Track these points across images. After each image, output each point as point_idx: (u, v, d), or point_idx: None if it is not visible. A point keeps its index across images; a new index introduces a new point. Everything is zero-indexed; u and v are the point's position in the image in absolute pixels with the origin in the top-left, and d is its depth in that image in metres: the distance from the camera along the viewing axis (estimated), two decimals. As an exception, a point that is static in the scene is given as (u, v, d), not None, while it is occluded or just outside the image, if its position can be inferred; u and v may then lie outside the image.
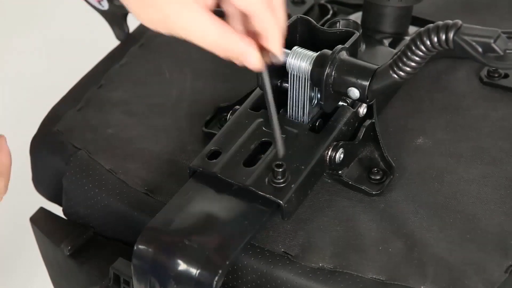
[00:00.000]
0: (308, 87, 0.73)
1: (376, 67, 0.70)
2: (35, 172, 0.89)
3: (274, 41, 0.64)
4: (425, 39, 0.63)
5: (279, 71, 0.75)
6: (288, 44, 0.74)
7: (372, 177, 0.75)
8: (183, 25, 0.61)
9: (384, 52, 0.85)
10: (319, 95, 0.74)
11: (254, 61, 0.64)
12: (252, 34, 0.65)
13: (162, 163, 0.79)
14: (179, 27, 0.61)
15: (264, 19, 0.63)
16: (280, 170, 0.68)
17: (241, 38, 0.63)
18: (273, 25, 0.64)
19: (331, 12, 0.96)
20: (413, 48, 0.64)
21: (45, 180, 0.88)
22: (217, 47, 0.62)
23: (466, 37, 0.61)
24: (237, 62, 0.64)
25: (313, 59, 0.72)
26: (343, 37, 0.74)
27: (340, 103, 0.76)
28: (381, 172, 0.76)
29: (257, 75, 0.73)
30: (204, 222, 0.68)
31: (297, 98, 0.74)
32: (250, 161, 0.71)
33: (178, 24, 0.61)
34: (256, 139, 0.73)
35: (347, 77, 0.71)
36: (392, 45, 0.87)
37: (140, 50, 0.98)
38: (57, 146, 0.83)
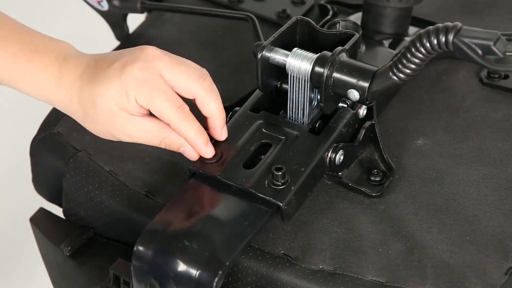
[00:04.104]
0: (308, 88, 0.73)
1: (376, 69, 0.70)
2: (35, 174, 0.89)
3: (197, 148, 0.71)
4: (424, 41, 0.63)
5: (279, 73, 0.75)
6: (288, 45, 0.74)
7: (372, 178, 0.75)
8: (129, 134, 0.70)
9: (384, 53, 0.85)
10: (319, 97, 0.74)
11: (189, 155, 0.71)
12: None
13: (162, 164, 0.79)
14: (126, 137, 0.70)
15: (180, 129, 0.70)
16: (280, 172, 0.68)
17: (177, 136, 0.70)
18: (190, 134, 0.70)
19: (331, 12, 0.96)
20: (413, 50, 0.64)
21: (45, 181, 0.88)
22: (161, 145, 0.71)
23: (466, 40, 0.61)
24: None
25: (313, 61, 0.72)
26: (343, 39, 0.74)
27: (340, 104, 0.76)
28: (381, 173, 0.76)
29: (257, 77, 0.74)
30: (204, 224, 0.68)
31: (297, 99, 0.74)
32: (250, 163, 0.71)
33: (124, 135, 0.70)
34: (256, 140, 0.73)
35: (347, 79, 0.71)
36: (392, 46, 0.87)
37: (140, 51, 0.98)
38: (57, 147, 0.83)
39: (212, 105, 0.70)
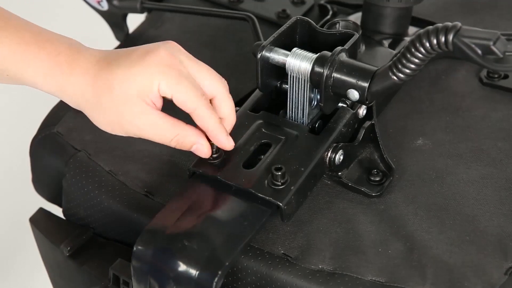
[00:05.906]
0: (308, 88, 0.73)
1: (376, 68, 0.70)
2: (35, 174, 0.89)
3: (218, 137, 0.69)
4: (424, 41, 0.63)
5: (279, 73, 0.75)
6: (288, 45, 0.74)
7: (372, 178, 0.75)
8: (139, 126, 0.67)
9: (384, 53, 0.85)
10: (318, 97, 0.74)
11: (202, 152, 0.70)
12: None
13: (162, 164, 0.79)
14: (136, 129, 0.67)
15: (204, 116, 0.68)
16: (280, 172, 0.68)
17: (191, 131, 0.69)
18: (213, 122, 0.68)
19: (330, 12, 0.96)
20: (412, 50, 0.64)
21: (45, 181, 0.88)
22: (171, 143, 0.69)
23: (465, 39, 0.61)
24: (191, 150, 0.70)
25: (313, 61, 0.72)
26: (342, 38, 0.74)
27: (340, 104, 0.76)
28: (380, 173, 0.76)
29: (257, 77, 0.74)
30: (203, 223, 0.68)
31: (296, 99, 0.74)
32: (250, 163, 0.71)
33: (135, 127, 0.67)
34: (255, 140, 0.73)
35: (347, 79, 0.71)
36: (392, 46, 0.87)
37: (139, 51, 0.98)
38: (56, 147, 0.83)
39: (230, 106, 0.70)
